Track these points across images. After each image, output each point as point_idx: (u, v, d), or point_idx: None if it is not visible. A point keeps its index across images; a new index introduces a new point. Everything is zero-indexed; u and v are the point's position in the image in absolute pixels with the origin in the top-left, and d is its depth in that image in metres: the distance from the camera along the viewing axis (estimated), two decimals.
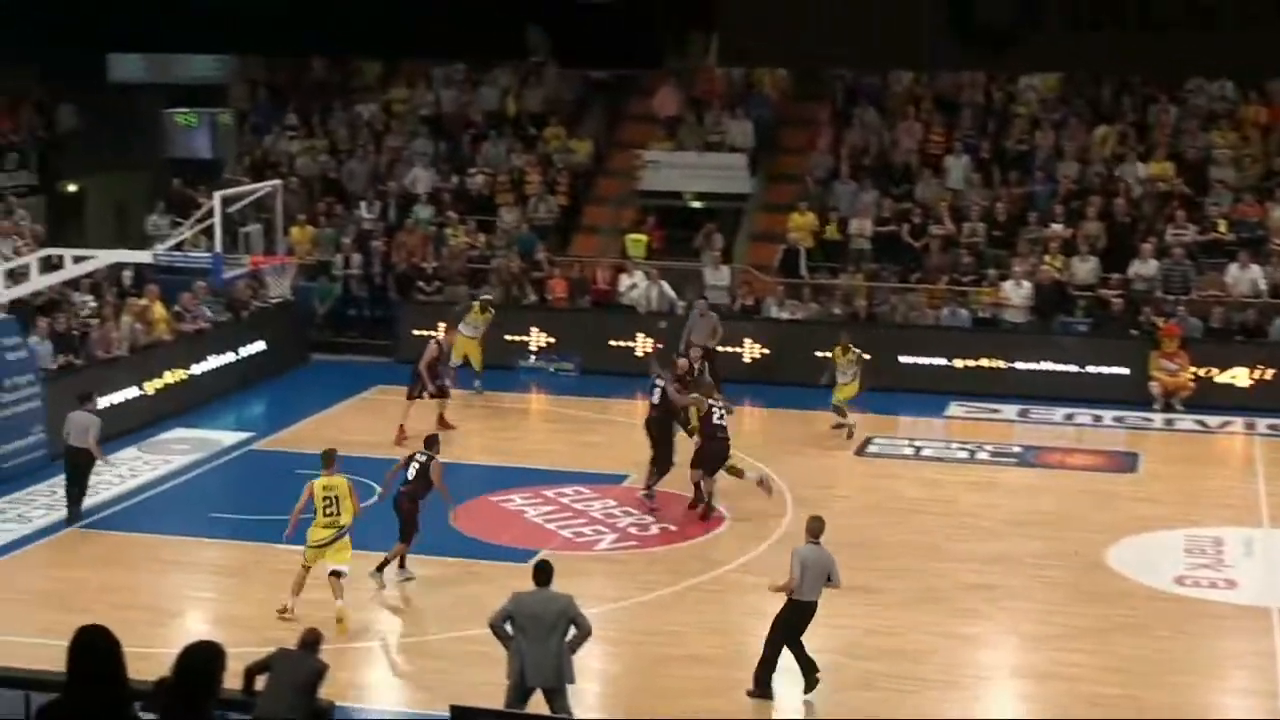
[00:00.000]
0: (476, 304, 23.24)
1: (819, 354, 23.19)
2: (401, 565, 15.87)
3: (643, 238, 26.77)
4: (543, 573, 11.80)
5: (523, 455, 20.52)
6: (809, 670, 13.19)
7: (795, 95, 29.43)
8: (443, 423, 21.42)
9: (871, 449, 21.14)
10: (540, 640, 11.48)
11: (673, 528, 17.61)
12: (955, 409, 23.19)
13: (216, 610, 15.58)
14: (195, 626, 14.85)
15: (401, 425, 20.77)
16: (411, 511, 15.70)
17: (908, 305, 25.11)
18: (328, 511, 14.74)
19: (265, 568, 16.14)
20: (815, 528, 13.36)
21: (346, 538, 14.82)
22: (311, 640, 10.98)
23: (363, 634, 14.71)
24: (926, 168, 27.06)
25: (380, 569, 15.60)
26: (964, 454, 21.03)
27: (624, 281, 25.71)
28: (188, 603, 15.84)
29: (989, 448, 21.25)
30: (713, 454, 17.81)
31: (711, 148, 28.00)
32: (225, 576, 16.21)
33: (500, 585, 15.59)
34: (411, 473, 15.81)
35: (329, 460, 15.03)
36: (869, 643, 14.44)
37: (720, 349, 23.92)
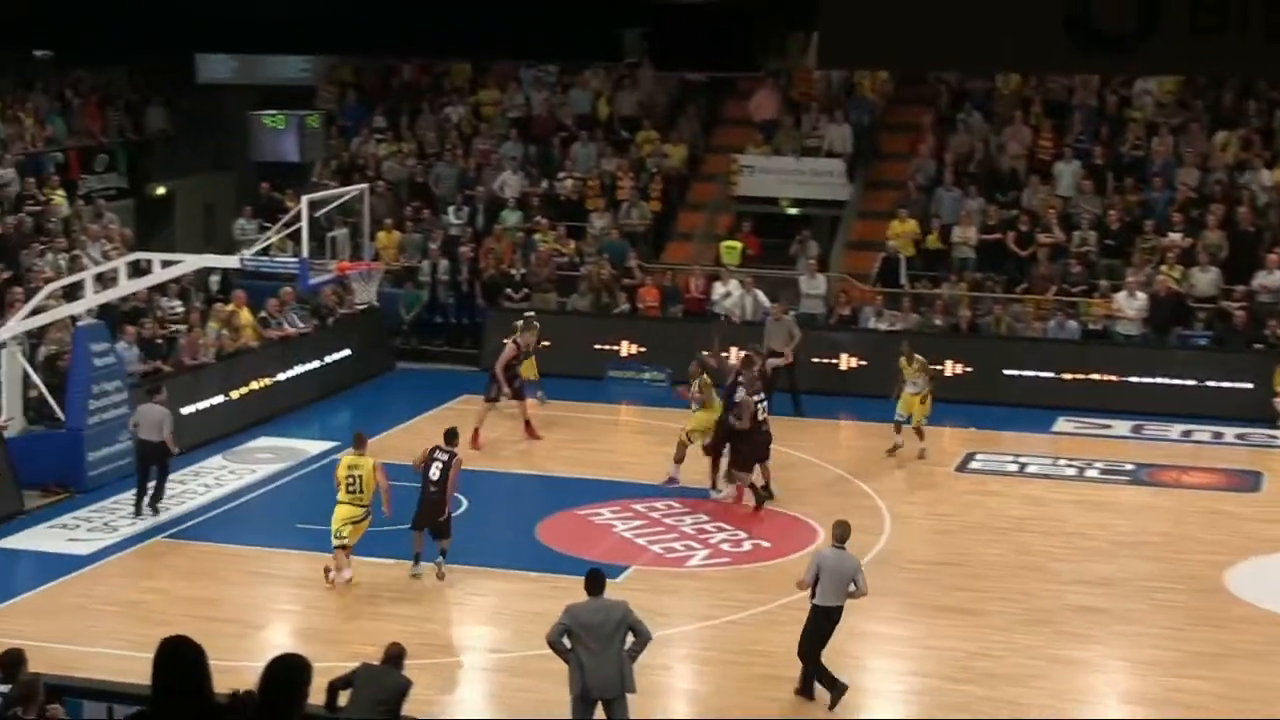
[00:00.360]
0: (520, 322, 23.04)
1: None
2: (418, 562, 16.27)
3: (737, 244, 26.72)
4: (595, 582, 11.86)
5: (611, 467, 20.55)
6: (832, 685, 13.23)
7: (897, 98, 29.25)
8: (530, 431, 21.51)
9: (973, 465, 20.92)
10: (600, 650, 11.55)
11: (766, 544, 17.55)
12: (1063, 424, 22.89)
13: (300, 623, 15.74)
14: (279, 639, 15.02)
15: (476, 430, 20.92)
16: (442, 506, 16.08)
17: (1013, 316, 24.85)
18: (351, 489, 15.88)
19: (351, 581, 16.28)
20: (840, 533, 13.40)
21: (372, 516, 16.03)
22: (395, 655, 11.05)
23: (447, 649, 14.81)
24: (1035, 174, 26.77)
25: (440, 576, 16.04)
26: (1072, 471, 20.76)
27: (717, 290, 25.68)
28: (272, 615, 16.03)
29: (1099, 464, 20.96)
30: (757, 447, 18.40)
31: (809, 152, 27.88)
32: (310, 589, 16.37)
33: None
34: (435, 472, 16.08)
35: (360, 442, 16.23)
36: (970, 666, 14.30)
37: (816, 359, 23.83)
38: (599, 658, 11.50)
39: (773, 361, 21.22)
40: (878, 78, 28.64)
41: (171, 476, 19.62)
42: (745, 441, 18.57)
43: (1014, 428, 22.52)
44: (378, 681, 10.79)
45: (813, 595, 13.20)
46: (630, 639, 11.67)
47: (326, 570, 16.09)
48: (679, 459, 19.27)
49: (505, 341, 21.90)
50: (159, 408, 18.36)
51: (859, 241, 27.29)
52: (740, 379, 18.90)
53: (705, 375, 19.53)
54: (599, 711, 11.74)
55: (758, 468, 18.81)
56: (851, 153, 27.82)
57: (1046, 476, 20.53)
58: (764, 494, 18.74)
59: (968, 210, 26.27)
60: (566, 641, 11.60)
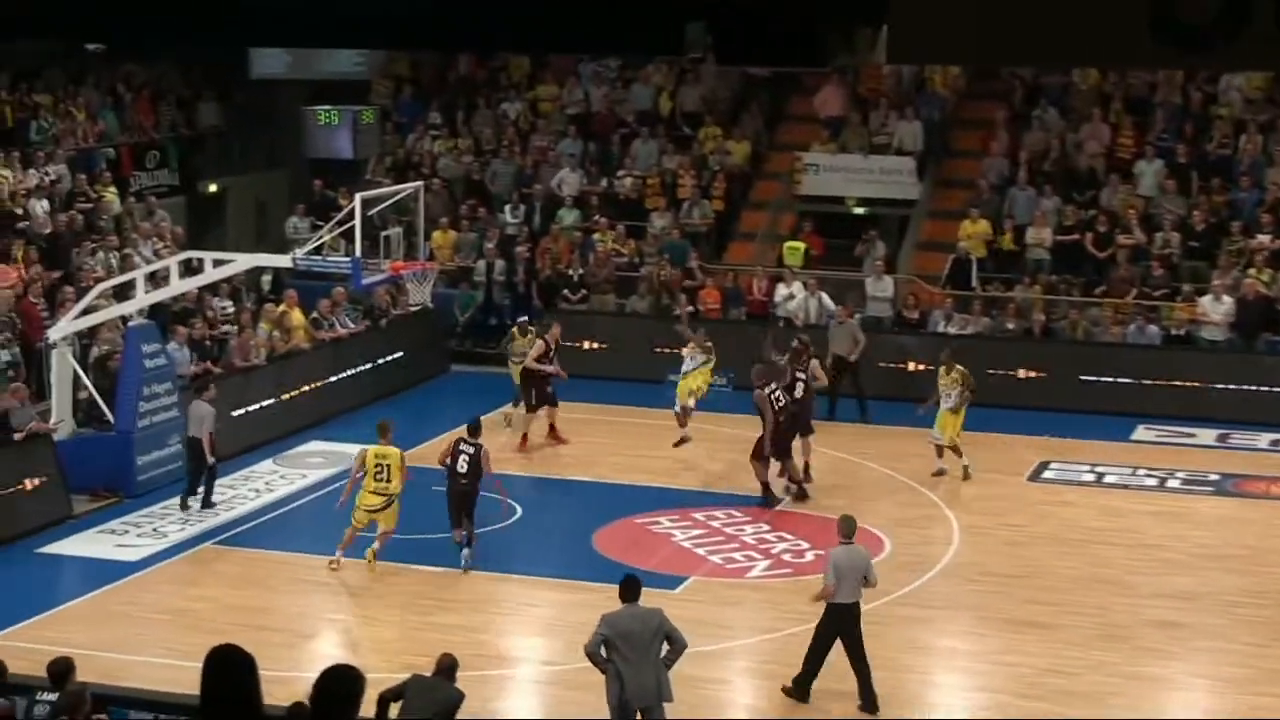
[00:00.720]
0: (515, 328, 23.00)
1: (990, 371, 22.87)
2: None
3: (801, 245, 26.64)
4: (631, 589, 11.89)
5: (670, 475, 20.53)
6: (805, 681, 13.43)
7: (969, 94, 29.06)
8: (554, 434, 21.53)
9: (1047, 474, 20.76)
10: (638, 659, 11.62)
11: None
12: (1143, 432, 22.67)
13: (352, 633, 15.83)
14: (329, 649, 15.11)
15: (525, 436, 21.06)
16: (473, 496, 16.63)
17: (1090, 320, 24.63)
18: (379, 478, 16.59)
19: (402, 590, 16.37)
20: (846, 528, 13.58)
21: (396, 504, 16.68)
22: (448, 666, 11.07)
23: (500, 661, 14.84)
24: (1114, 173, 26.52)
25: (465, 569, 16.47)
26: (1152, 481, 20.55)
27: (780, 292, 25.61)
28: (322, 624, 16.12)
29: (1181, 474, 20.74)
30: (781, 437, 18.86)
31: (877, 150, 27.77)
32: (360, 597, 16.47)
33: None
34: (463, 465, 16.37)
35: (384, 431, 16.93)
36: (1042, 683, 14.19)
37: (882, 364, 23.71)
38: (636, 667, 11.58)
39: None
40: (949, 73, 28.48)
41: (221, 481, 19.81)
42: (780, 431, 18.84)
43: (1091, 436, 22.33)
44: (429, 694, 10.81)
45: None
46: (665, 647, 11.73)
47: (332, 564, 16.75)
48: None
49: (537, 339, 21.89)
50: (203, 405, 18.59)
51: (928, 242, 27.15)
52: (798, 373, 19.13)
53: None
54: None
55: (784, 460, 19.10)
56: (921, 150, 27.68)
57: (1125, 486, 20.34)
58: (771, 497, 18.96)
59: (1043, 210, 26.07)
60: (604, 652, 11.63)
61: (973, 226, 26.09)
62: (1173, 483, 20.46)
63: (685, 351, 21.41)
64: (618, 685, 11.59)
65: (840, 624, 13.30)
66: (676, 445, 20.62)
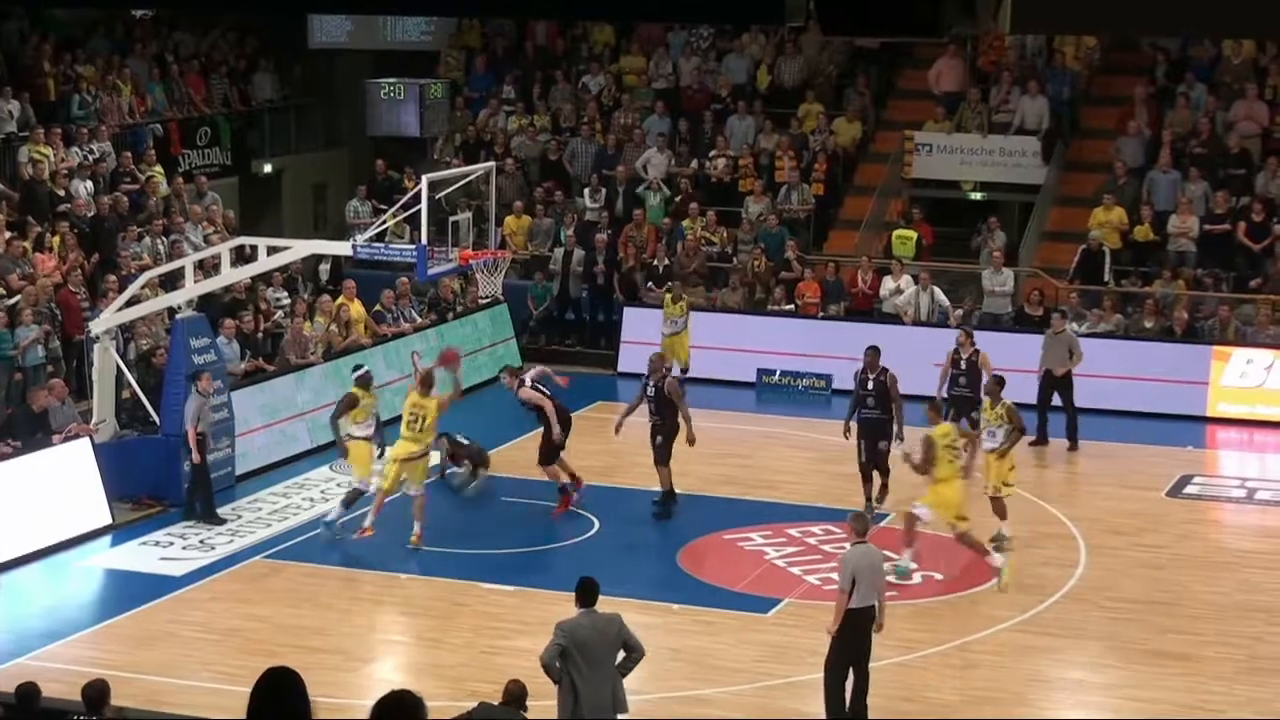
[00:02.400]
0: (668, 295, 23.67)
1: (1125, 377, 22.63)
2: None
3: (912, 234, 26.49)
4: (588, 593, 11.92)
5: (764, 487, 20.47)
6: (840, 713, 13.23)
7: (1102, 67, 28.77)
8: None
9: (1189, 489, 20.52)
10: (593, 672, 11.71)
11: (937, 576, 17.35)
12: None
13: (413, 656, 15.92)
14: (389, 674, 15.20)
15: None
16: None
17: (1241, 319, 24.28)
18: (412, 425, 17.86)
19: (469, 609, 16.45)
20: (860, 526, 13.65)
21: (427, 459, 18.20)
22: (518, 694, 11.10)
23: None
24: (1273, 155, 26.13)
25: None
26: None
27: (887, 285, 25.48)
28: (381, 647, 16.24)
29: None
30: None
31: (997, 130, 27.56)
32: (424, 618, 16.56)
33: (735, 638, 15.65)
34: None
35: (426, 383, 18.21)
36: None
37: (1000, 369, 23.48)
38: (591, 680, 11.70)
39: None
40: (1082, 44, 28.18)
41: (275, 488, 20.03)
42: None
43: (1239, 447, 22.03)
44: None
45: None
46: (621, 655, 11.84)
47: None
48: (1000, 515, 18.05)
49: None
50: (195, 397, 18.67)
51: (1055, 231, 26.93)
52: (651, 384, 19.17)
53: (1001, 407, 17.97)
54: None
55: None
56: (1048, 130, 27.44)
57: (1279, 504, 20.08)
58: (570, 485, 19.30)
59: (1188, 197, 25.76)
60: (558, 663, 11.75)
61: (1105, 214, 25.82)
62: None
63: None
64: (571, 699, 11.73)
65: (859, 628, 13.31)
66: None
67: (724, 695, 14.56)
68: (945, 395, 20.08)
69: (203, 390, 18.74)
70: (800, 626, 15.92)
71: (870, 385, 18.93)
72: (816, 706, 14.28)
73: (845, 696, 13.39)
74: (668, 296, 24.44)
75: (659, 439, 19.12)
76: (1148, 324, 24.45)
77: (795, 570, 17.57)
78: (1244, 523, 19.54)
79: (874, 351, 19.19)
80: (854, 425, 19.08)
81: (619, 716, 11.81)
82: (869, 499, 18.93)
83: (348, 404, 18.37)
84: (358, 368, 19.40)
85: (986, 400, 18.31)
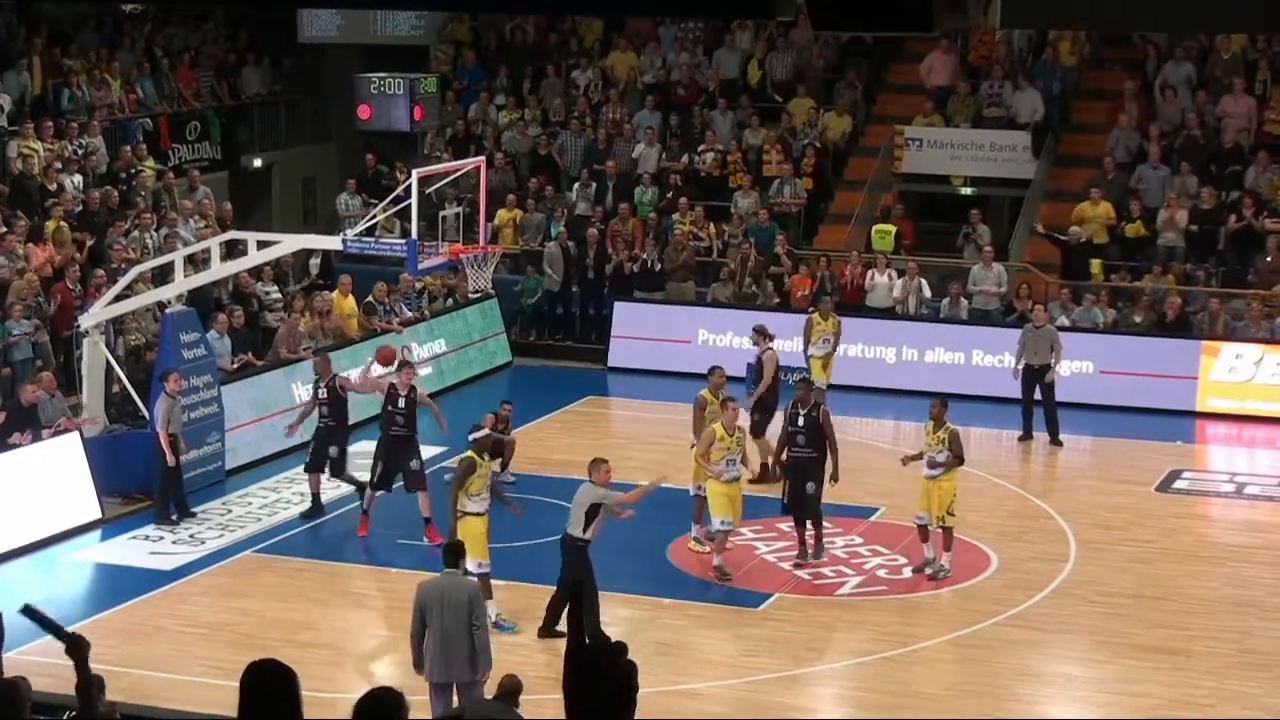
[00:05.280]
0: (815, 313, 22.35)
1: (1114, 371, 22.64)
2: None
3: (891, 229, 26.43)
4: (452, 552, 12.73)
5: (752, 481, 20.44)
6: None
7: (1093, 61, 28.77)
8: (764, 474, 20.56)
9: (1179, 484, 20.55)
10: (448, 629, 12.26)
11: (926, 571, 17.35)
12: None
13: (402, 651, 15.87)
14: (380, 670, 15.19)
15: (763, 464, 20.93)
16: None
17: (1230, 314, 24.30)
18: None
19: None
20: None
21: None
22: (511, 690, 11.10)
23: None
24: (1262, 149, 26.15)
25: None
26: None
27: (873, 279, 25.45)
28: (373, 642, 16.20)
29: None
30: None
31: (988, 124, 27.57)
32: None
33: (729, 633, 15.66)
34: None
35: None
36: (1174, 715, 14.03)
37: (992, 364, 23.50)
38: (437, 634, 12.31)
39: None
40: (1076, 38, 28.19)
41: (264, 483, 20.01)
42: None
43: (1228, 441, 22.06)
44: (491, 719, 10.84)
45: None
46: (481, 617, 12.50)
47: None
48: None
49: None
50: (164, 398, 18.51)
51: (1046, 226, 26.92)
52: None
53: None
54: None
55: None
56: (1038, 124, 27.44)
57: (1270, 499, 20.13)
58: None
59: (1177, 191, 25.77)
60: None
61: (1094, 209, 25.83)
62: None
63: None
64: (425, 657, 12.48)
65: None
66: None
67: (714, 689, 14.58)
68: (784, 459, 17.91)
69: (171, 391, 18.56)
70: (791, 621, 15.95)
71: (801, 421, 17.27)
72: (808, 699, 14.32)
73: None
74: (815, 315, 22.44)
75: (810, 485, 17.11)
76: (1137, 319, 24.47)
77: (785, 565, 17.56)
78: (1233, 517, 19.58)
79: (805, 384, 18.02)
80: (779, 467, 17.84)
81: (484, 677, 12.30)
82: (802, 543, 17.42)
83: (466, 471, 15.32)
84: (476, 428, 16.14)
85: (930, 424, 16.93)
